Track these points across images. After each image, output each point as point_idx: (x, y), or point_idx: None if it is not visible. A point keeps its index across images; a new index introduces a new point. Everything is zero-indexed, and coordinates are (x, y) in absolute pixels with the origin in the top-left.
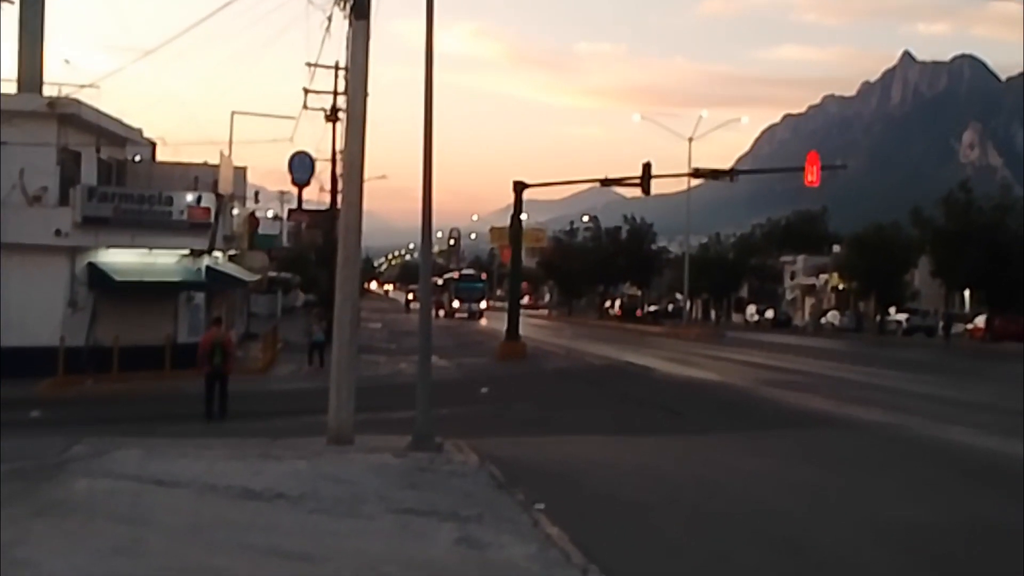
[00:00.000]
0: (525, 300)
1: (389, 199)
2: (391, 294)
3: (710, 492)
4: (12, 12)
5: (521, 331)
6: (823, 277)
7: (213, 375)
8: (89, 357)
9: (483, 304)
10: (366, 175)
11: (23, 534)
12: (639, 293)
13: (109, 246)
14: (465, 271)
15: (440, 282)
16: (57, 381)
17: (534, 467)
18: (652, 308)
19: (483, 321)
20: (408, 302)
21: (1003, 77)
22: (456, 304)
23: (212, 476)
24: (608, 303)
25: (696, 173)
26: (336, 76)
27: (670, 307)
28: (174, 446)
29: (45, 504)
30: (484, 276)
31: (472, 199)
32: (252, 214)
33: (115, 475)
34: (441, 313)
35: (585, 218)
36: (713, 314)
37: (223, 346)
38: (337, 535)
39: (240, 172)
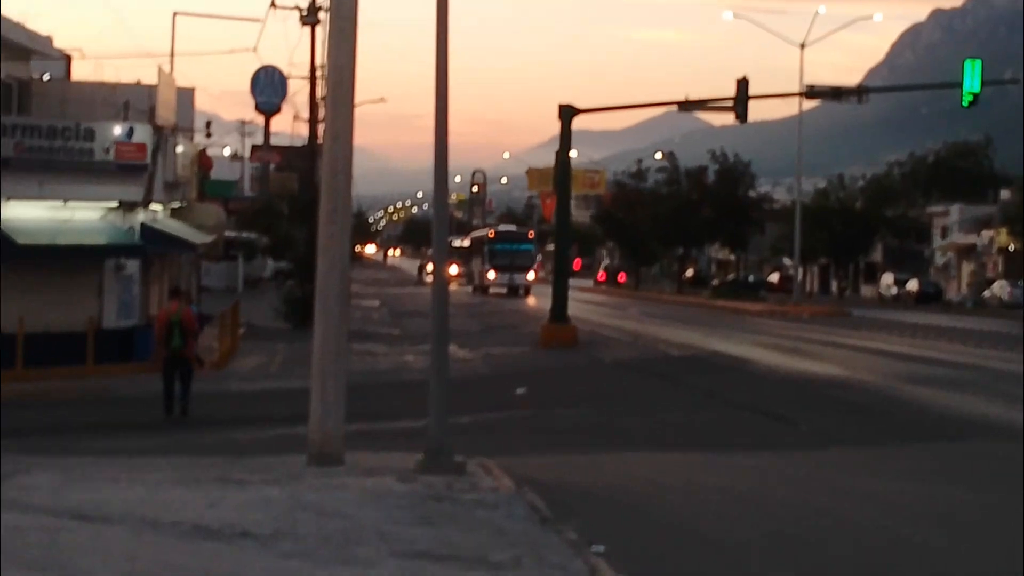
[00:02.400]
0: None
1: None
2: (392, 260)
3: (832, 527)
4: None
5: (571, 310)
6: (986, 234)
7: (172, 362)
8: None
9: (531, 275)
10: (358, 98)
11: None
12: (731, 257)
13: (9, 198)
14: (503, 227)
15: (467, 244)
16: None
17: (589, 494)
18: (732, 278)
19: (530, 299)
20: (423, 269)
21: None
22: (492, 275)
23: (153, 508)
24: (689, 271)
25: (811, 92)
26: None
27: (772, 276)
28: (102, 467)
29: None
30: (531, 234)
31: (503, 130)
32: (203, 152)
33: (22, 507)
34: (470, 287)
35: (658, 155)
36: (834, 285)
37: (183, 324)
38: None
39: (186, 95)
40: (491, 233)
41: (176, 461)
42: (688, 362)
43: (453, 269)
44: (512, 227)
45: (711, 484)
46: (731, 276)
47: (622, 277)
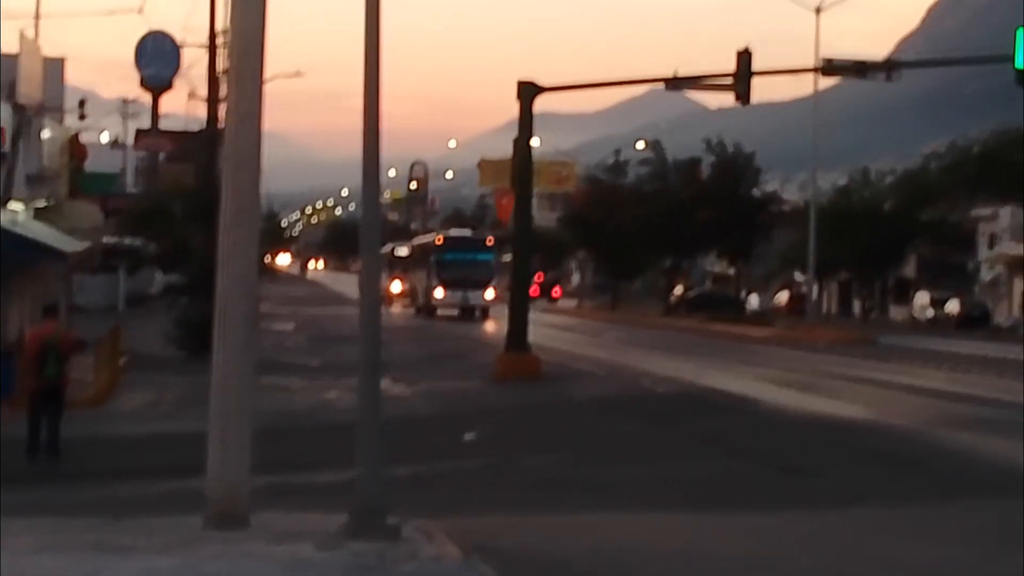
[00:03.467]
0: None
1: (308, 113)
2: (314, 273)
3: None
4: None
5: (534, 335)
6: None
7: (43, 393)
8: None
9: (489, 293)
10: (270, 71)
11: None
12: (730, 271)
13: None
14: (454, 232)
15: (406, 252)
16: None
17: (559, 565)
18: (695, 292)
19: (489, 323)
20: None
21: None
22: (440, 293)
23: None
24: (679, 288)
25: (829, 67)
26: None
27: (781, 295)
28: None
29: None
30: (490, 241)
31: (450, 112)
32: (76, 138)
33: None
34: (405, 306)
35: (640, 144)
36: (858, 306)
37: (60, 349)
38: None
39: (55, 66)
40: (439, 240)
41: (44, 522)
42: (678, 401)
43: (396, 286)
44: (466, 231)
45: (711, 551)
46: (692, 290)
47: (557, 292)
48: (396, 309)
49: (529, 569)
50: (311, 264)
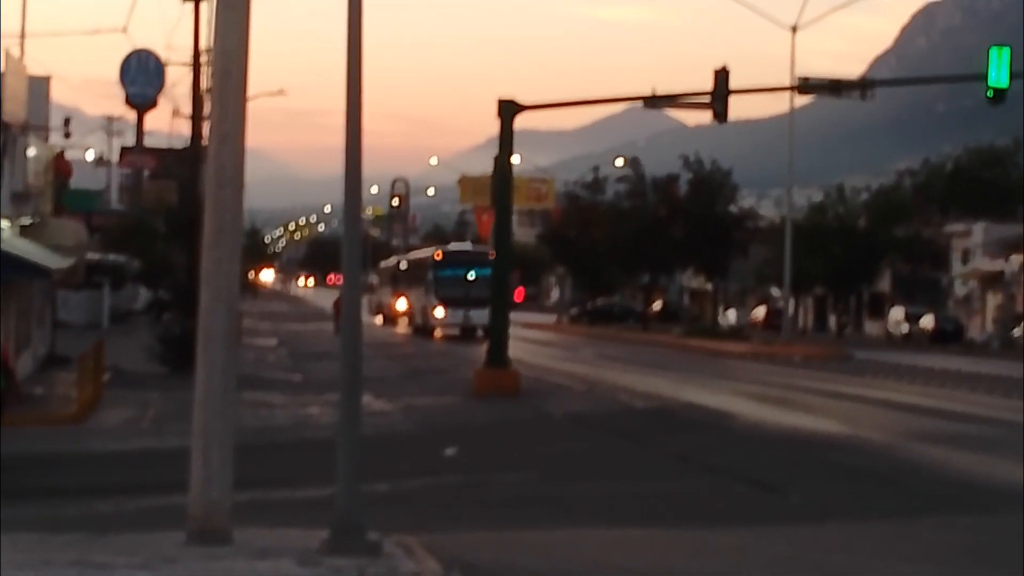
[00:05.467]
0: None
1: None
2: (301, 290)
3: None
4: None
5: (513, 350)
6: (1016, 259)
7: None
8: None
9: None
10: (253, 90)
11: None
12: (708, 286)
13: None
14: (455, 246)
15: (403, 265)
16: None
17: None
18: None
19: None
20: (382, 307)
21: None
22: (440, 312)
23: None
24: (656, 302)
25: (804, 85)
26: None
27: (758, 310)
28: None
29: None
30: (493, 255)
31: (431, 131)
32: (60, 156)
33: None
34: (401, 324)
35: (619, 161)
36: (833, 321)
37: (3, 365)
38: None
39: (40, 85)
40: (438, 255)
41: (23, 539)
42: (655, 416)
43: (402, 303)
44: (466, 245)
45: (685, 568)
46: (596, 301)
47: (520, 294)
48: (400, 329)
49: None
50: (300, 281)
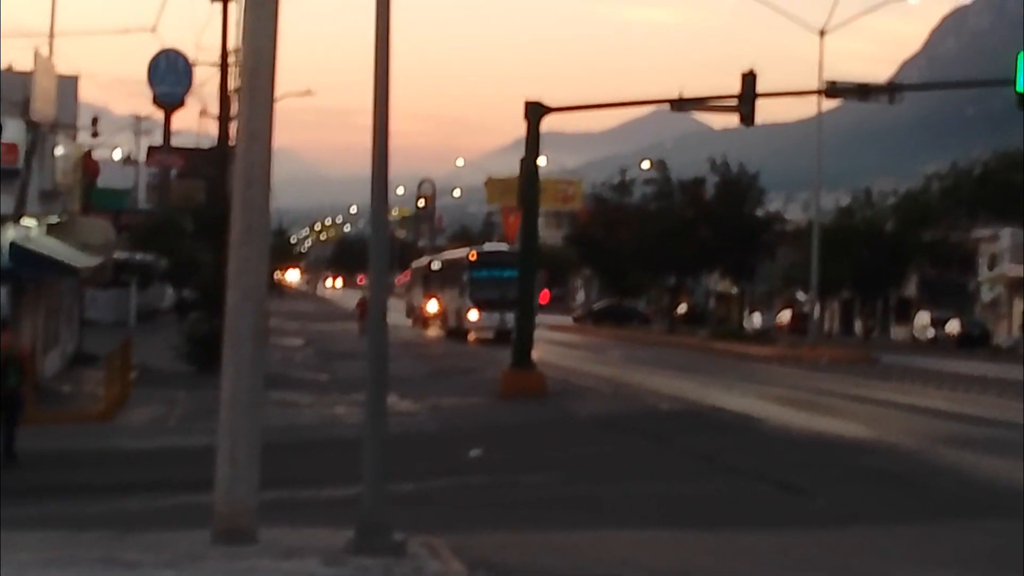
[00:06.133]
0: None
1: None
2: (328, 291)
3: None
4: None
5: (539, 352)
6: None
7: (1, 402)
8: None
9: None
10: (281, 90)
11: None
12: (734, 289)
13: None
14: (490, 246)
15: (436, 266)
16: None
17: None
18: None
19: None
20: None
21: None
22: (474, 315)
23: None
24: (682, 305)
25: (832, 89)
26: None
27: (784, 314)
28: None
29: None
30: None
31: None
32: (88, 155)
33: None
34: (432, 327)
35: (646, 163)
36: (859, 325)
37: (17, 361)
38: None
39: (69, 84)
40: (472, 255)
41: (50, 536)
42: (681, 418)
43: (433, 305)
44: (502, 246)
45: (711, 569)
46: (601, 302)
47: (545, 296)
48: (432, 332)
49: None
50: (328, 282)
